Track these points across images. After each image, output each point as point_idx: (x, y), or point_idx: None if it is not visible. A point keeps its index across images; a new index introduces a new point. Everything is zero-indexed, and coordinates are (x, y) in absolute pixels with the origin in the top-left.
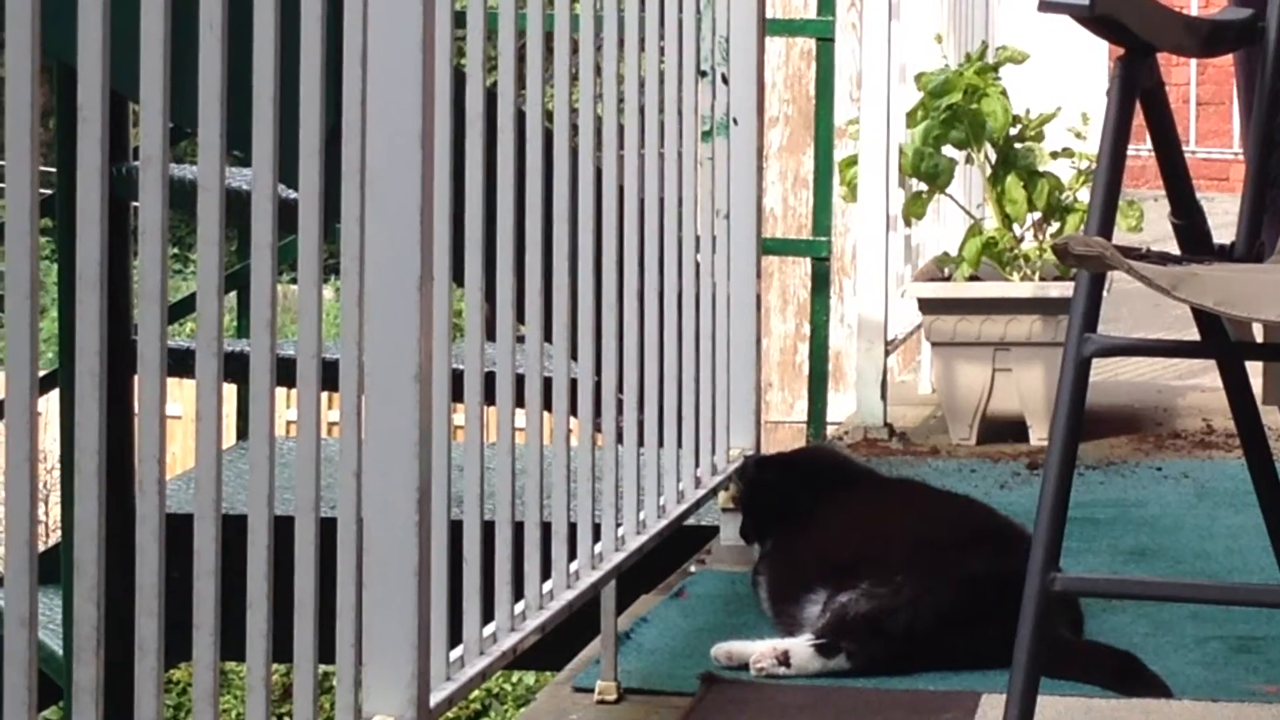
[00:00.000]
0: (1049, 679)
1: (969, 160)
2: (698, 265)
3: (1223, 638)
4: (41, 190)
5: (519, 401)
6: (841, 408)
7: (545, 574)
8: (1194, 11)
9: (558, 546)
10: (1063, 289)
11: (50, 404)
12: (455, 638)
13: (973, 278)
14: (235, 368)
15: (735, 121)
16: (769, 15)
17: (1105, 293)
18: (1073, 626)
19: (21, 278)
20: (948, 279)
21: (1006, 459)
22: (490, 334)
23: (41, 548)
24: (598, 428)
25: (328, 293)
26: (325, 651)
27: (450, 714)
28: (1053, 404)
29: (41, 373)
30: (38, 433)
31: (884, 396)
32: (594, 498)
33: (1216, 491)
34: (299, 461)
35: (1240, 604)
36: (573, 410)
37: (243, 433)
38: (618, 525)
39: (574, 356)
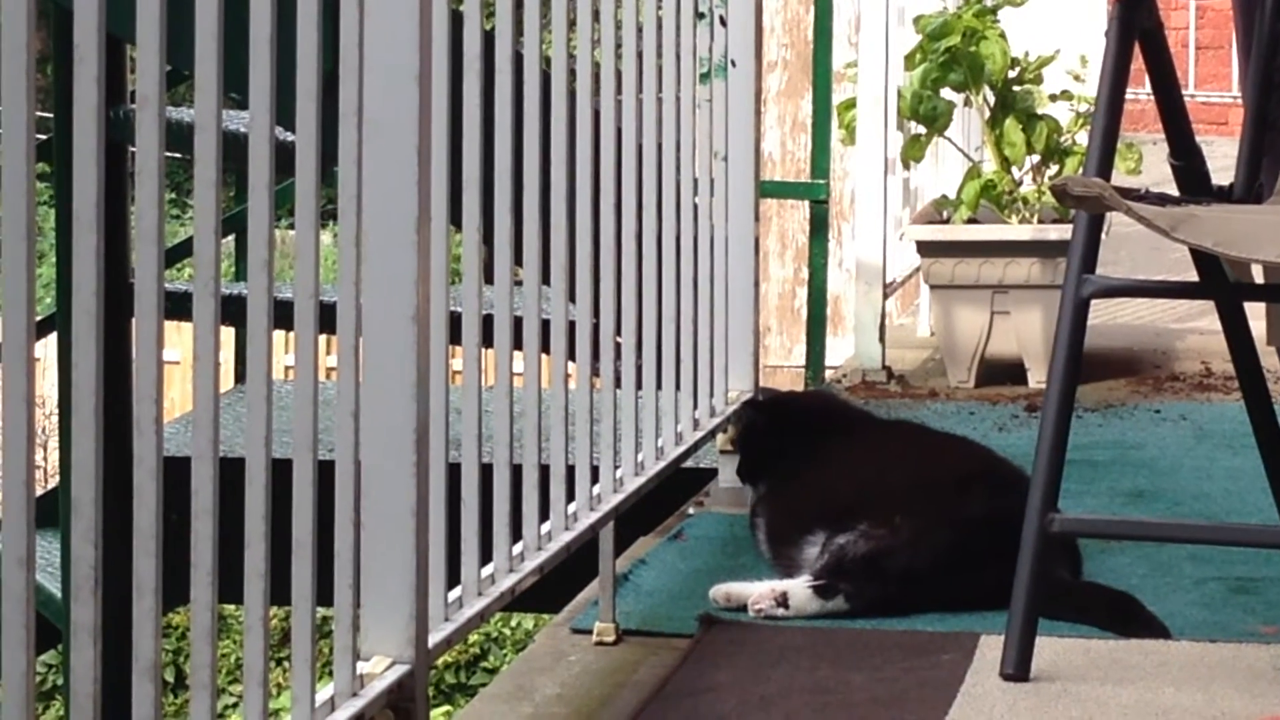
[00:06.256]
0: (1047, 620)
1: (967, 103)
2: (696, 208)
3: (1221, 579)
4: (39, 135)
5: (517, 344)
6: (840, 352)
7: (543, 515)
8: None
9: (556, 488)
10: (1061, 231)
11: (49, 350)
12: (453, 579)
13: (971, 220)
14: (233, 310)
15: (733, 63)
16: None
17: (1104, 235)
18: (1071, 568)
19: (18, 220)
20: (946, 222)
21: (1005, 401)
22: (488, 277)
23: (40, 493)
24: (596, 371)
25: (325, 238)
26: (323, 596)
27: (449, 657)
28: (1051, 346)
29: (39, 317)
30: (34, 374)
31: (882, 340)
32: (592, 440)
33: (1215, 433)
34: (296, 401)
35: (1238, 545)
36: (571, 353)
37: (240, 377)
38: (616, 467)
39: (572, 299)
